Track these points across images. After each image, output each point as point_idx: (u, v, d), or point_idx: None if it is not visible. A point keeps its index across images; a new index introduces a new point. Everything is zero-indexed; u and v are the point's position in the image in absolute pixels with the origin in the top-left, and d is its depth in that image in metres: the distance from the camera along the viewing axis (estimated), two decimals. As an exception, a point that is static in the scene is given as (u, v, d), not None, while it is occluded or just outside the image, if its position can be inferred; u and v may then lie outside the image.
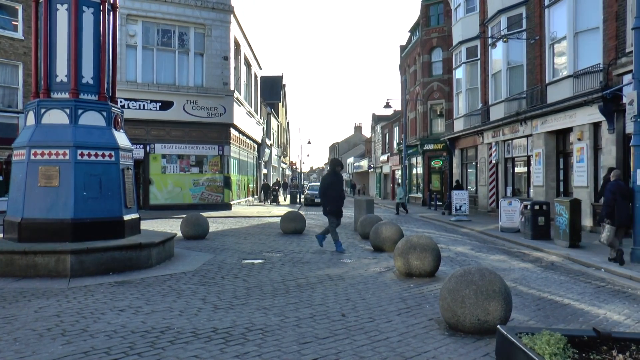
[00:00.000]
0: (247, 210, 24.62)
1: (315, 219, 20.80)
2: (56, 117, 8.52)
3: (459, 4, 24.93)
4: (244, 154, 28.62)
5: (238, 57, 26.23)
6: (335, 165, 10.63)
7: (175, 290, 6.69)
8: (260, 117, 35.58)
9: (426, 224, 18.62)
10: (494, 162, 22.20)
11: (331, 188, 10.42)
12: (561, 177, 17.19)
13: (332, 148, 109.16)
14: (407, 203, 31.06)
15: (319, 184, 28.63)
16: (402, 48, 39.13)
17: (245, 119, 27.29)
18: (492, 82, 21.47)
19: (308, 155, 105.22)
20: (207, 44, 22.78)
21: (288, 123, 71.93)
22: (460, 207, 19.01)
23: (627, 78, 12.16)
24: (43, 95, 8.62)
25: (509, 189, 21.06)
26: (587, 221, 14.31)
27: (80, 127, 8.53)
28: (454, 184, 24.32)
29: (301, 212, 15.86)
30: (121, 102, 19.69)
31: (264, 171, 39.37)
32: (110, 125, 8.97)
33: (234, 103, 23.26)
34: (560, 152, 17.31)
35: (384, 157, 49.17)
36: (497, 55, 20.72)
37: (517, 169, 20.95)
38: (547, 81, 16.96)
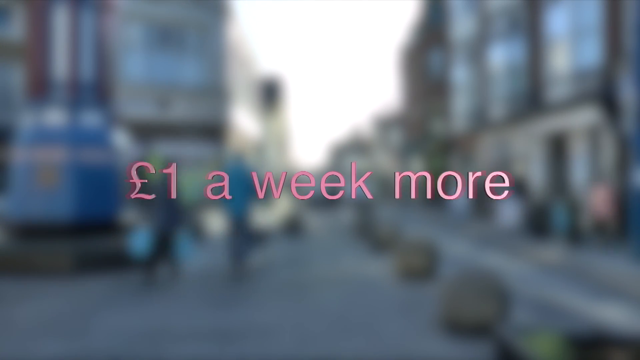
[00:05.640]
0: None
1: (314, 219, 20.78)
2: (54, 116, 8.50)
3: (458, 4, 24.94)
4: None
5: (237, 56, 26.20)
6: None
7: (174, 290, 6.68)
8: (260, 117, 35.55)
9: (425, 224, 18.62)
10: (493, 162, 22.19)
11: None
12: (560, 177, 17.19)
13: (331, 148, 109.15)
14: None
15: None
16: (401, 48, 39.13)
17: (245, 119, 27.27)
18: (491, 82, 21.47)
19: (307, 156, 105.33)
20: (206, 43, 22.75)
21: (287, 123, 71.87)
22: (460, 206, 19.00)
23: (626, 78, 12.16)
24: (41, 95, 8.60)
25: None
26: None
27: (79, 126, 8.51)
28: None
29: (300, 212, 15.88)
30: (119, 101, 19.64)
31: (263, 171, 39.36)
32: (109, 125, 8.96)
33: (233, 103, 23.23)
34: (560, 152, 17.30)
35: (383, 157, 49.16)
36: (496, 55, 20.72)
37: (516, 169, 20.92)
38: (546, 81, 16.96)
